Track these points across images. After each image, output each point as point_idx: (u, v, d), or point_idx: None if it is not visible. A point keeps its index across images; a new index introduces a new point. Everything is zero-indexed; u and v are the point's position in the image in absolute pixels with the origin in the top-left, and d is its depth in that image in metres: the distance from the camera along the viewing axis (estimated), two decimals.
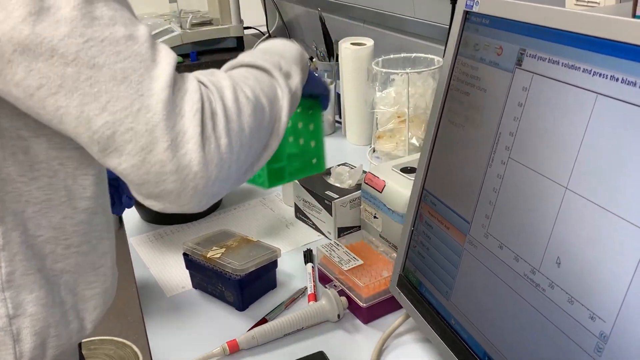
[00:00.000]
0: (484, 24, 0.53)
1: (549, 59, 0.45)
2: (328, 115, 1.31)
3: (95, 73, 0.42)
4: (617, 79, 0.39)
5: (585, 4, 0.70)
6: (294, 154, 0.78)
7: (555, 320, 0.44)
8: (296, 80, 0.60)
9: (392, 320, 0.69)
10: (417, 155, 0.91)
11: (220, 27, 1.84)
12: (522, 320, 0.47)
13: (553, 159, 0.44)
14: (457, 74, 0.57)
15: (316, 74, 0.65)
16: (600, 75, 0.41)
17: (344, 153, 1.23)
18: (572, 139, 0.43)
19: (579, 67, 0.42)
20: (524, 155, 0.47)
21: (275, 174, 0.73)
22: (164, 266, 0.87)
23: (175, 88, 0.45)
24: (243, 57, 0.58)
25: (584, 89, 0.42)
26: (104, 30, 0.43)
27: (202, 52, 1.82)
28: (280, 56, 0.60)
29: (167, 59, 0.46)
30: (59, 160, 0.51)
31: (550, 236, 0.44)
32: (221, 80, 0.50)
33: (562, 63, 0.44)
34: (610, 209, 0.39)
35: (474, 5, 0.54)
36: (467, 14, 0.55)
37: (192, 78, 0.48)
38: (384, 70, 0.99)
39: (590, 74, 0.42)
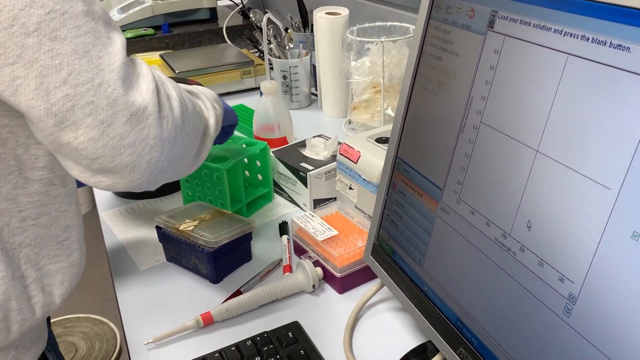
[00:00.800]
0: None
1: (521, 20, 0.44)
2: (304, 87, 1.29)
3: (57, 45, 0.43)
4: (588, 39, 0.39)
5: None
6: (247, 189, 0.93)
7: (525, 284, 0.44)
8: (218, 110, 0.66)
9: (367, 289, 0.69)
10: (392, 126, 0.90)
11: None
12: (493, 285, 0.47)
13: (524, 122, 0.44)
14: (430, 38, 0.55)
15: (228, 106, 0.77)
16: (571, 35, 0.40)
17: (319, 125, 1.22)
18: (543, 101, 0.42)
19: (550, 28, 0.42)
20: (496, 119, 0.47)
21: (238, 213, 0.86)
22: (136, 240, 0.86)
23: (129, 67, 0.47)
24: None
25: (555, 49, 0.41)
26: (65, 4, 0.43)
27: (175, 24, 1.78)
28: (199, 92, 0.67)
29: (120, 38, 0.48)
30: (9, 128, 0.49)
31: (521, 200, 0.44)
32: (162, 76, 0.53)
33: (534, 24, 0.43)
34: (579, 170, 0.39)
35: None
36: None
37: (142, 62, 0.50)
38: (359, 39, 0.98)
39: (561, 34, 0.41)
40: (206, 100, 0.65)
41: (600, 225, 0.38)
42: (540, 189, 0.42)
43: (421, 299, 0.57)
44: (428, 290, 0.56)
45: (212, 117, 0.63)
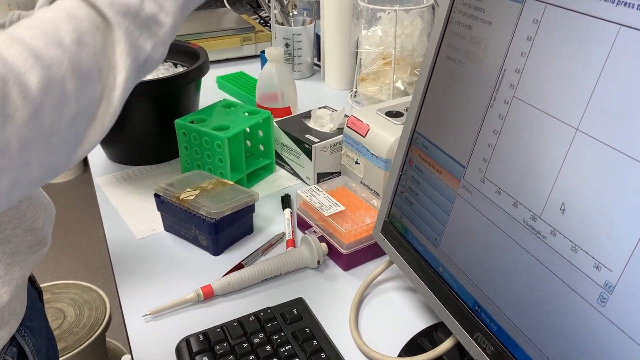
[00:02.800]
0: None
1: None
2: (306, 57, 1.25)
3: None
4: None
5: None
6: (249, 159, 0.89)
7: (555, 269, 0.41)
8: (165, 28, 0.42)
9: (372, 268, 0.67)
10: (402, 100, 0.87)
11: None
12: (518, 270, 0.45)
13: (564, 98, 0.41)
14: (459, 5, 0.52)
15: None
16: (624, 4, 0.37)
17: (322, 97, 1.18)
18: (588, 76, 0.39)
19: None
20: (531, 94, 0.44)
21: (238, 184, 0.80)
22: (133, 207, 0.83)
23: None
24: None
25: (605, 20, 0.38)
26: None
27: None
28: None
29: None
30: None
31: (555, 181, 0.41)
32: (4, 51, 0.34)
33: None
34: (626, 152, 0.36)
35: None
36: None
37: None
38: (371, 6, 0.93)
39: (613, 2, 0.38)
40: (123, 37, 0.39)
41: None
42: (578, 170, 0.40)
43: (435, 280, 0.54)
44: (443, 272, 0.54)
45: (124, 74, 0.39)
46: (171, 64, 1.02)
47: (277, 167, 0.93)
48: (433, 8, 0.94)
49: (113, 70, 0.39)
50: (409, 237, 0.59)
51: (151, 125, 0.90)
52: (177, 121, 0.85)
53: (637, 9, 0.36)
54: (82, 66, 0.37)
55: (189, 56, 0.99)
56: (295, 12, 1.28)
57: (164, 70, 0.99)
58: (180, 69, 0.99)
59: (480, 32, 0.49)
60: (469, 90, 0.50)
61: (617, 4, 0.37)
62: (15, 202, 0.38)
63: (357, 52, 1.00)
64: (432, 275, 0.55)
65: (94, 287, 1.44)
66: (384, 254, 0.64)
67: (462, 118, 0.51)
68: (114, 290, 0.69)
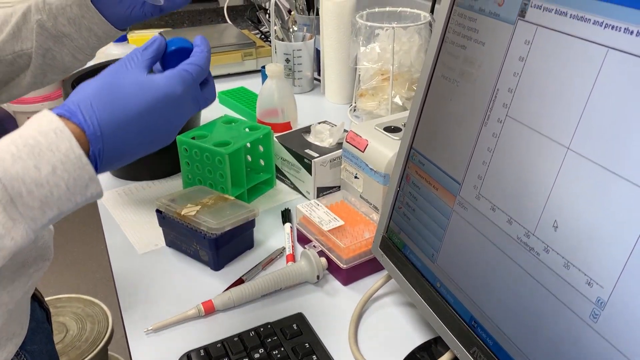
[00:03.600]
0: None
1: (556, 10, 0.42)
2: (307, 72, 1.27)
3: None
4: (632, 32, 0.37)
5: None
6: (249, 174, 0.91)
7: (548, 285, 0.42)
8: (4, 253, 0.40)
9: (372, 282, 0.68)
10: (400, 115, 0.88)
11: None
12: (513, 285, 0.46)
13: (555, 118, 0.42)
14: (453, 25, 0.53)
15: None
16: (612, 27, 0.38)
17: (322, 111, 1.20)
18: (578, 97, 0.40)
19: (589, 19, 0.40)
20: (524, 113, 0.45)
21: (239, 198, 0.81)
22: (135, 223, 0.84)
23: None
24: None
25: (593, 42, 0.39)
26: None
27: None
28: (12, 199, 0.40)
29: None
30: None
31: (547, 199, 0.42)
32: None
33: (571, 14, 0.41)
34: (615, 170, 0.37)
35: None
36: None
37: None
38: (369, 23, 0.95)
39: (601, 26, 0.39)
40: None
41: (636, 230, 0.36)
42: (570, 188, 0.41)
43: (433, 295, 0.55)
44: (440, 287, 0.54)
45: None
46: None
47: (277, 181, 0.94)
48: (430, 25, 0.95)
49: None
50: (407, 252, 0.60)
51: None
52: (179, 137, 0.86)
53: (623, 32, 0.37)
54: None
55: None
56: (295, 28, 1.30)
57: None
58: None
59: (474, 52, 0.50)
60: (464, 109, 0.51)
61: (605, 27, 0.38)
62: None
63: (355, 68, 1.01)
64: (429, 291, 0.56)
65: (96, 300, 1.45)
66: (383, 268, 0.64)
67: (457, 135, 0.52)
68: (116, 304, 0.70)
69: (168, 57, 0.52)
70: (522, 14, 0.45)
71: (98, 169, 0.44)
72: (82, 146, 0.42)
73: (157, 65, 0.53)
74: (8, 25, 0.65)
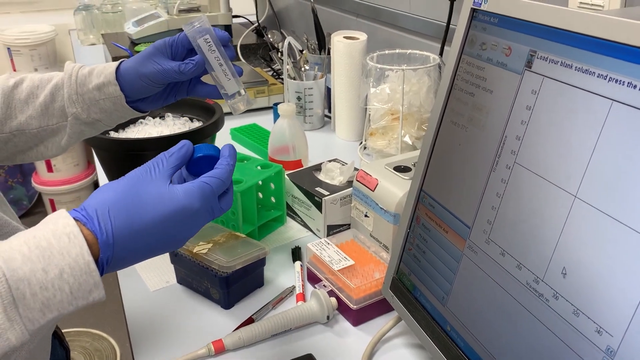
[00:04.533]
0: (492, 23, 0.51)
1: (562, 62, 0.44)
2: (317, 109, 1.29)
3: None
4: (635, 86, 0.38)
5: (589, 6, 0.69)
6: (260, 211, 0.91)
7: (558, 332, 0.42)
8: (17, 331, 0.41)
9: (382, 323, 0.68)
10: (410, 154, 0.89)
11: (208, 14, 1.80)
12: (523, 331, 0.46)
13: (562, 166, 0.43)
14: (462, 73, 0.55)
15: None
16: (616, 81, 0.39)
17: (332, 148, 1.21)
18: (584, 146, 0.41)
19: (594, 72, 0.41)
20: (531, 161, 0.46)
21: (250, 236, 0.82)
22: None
23: None
24: None
25: (598, 94, 0.40)
26: None
27: None
28: (14, 300, 0.41)
29: None
30: None
31: (556, 245, 0.43)
32: None
33: (576, 67, 0.42)
34: (622, 220, 0.38)
35: (482, 2, 0.52)
36: (474, 12, 0.53)
37: None
38: (379, 65, 0.97)
39: (605, 79, 0.40)
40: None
41: None
42: (578, 236, 0.41)
43: (443, 339, 0.55)
44: (451, 331, 0.55)
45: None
46: (187, 118, 1.06)
47: (288, 218, 0.95)
48: (439, 67, 0.97)
49: None
50: (417, 294, 0.60)
51: None
52: None
53: (627, 86, 0.38)
54: None
55: (204, 110, 1.03)
56: (307, 67, 1.32)
57: (180, 125, 1.03)
58: (196, 124, 1.03)
59: (482, 99, 0.52)
60: (473, 154, 0.53)
61: (609, 80, 0.40)
62: None
63: (366, 108, 1.03)
64: (440, 334, 0.56)
65: (104, 335, 1.45)
66: (394, 308, 0.65)
67: (466, 180, 0.53)
68: (124, 337, 0.71)
69: (193, 162, 0.53)
70: (528, 64, 0.47)
71: (103, 273, 0.45)
72: (92, 252, 0.43)
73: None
74: (36, 100, 0.69)
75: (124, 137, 0.99)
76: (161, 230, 0.47)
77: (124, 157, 0.92)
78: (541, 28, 0.46)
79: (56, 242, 0.42)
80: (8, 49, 2.39)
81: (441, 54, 1.05)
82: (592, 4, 0.68)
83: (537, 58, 0.46)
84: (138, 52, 1.64)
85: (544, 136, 0.45)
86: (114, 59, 1.63)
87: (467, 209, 0.53)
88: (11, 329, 0.40)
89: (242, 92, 0.69)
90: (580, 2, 0.69)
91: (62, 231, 0.43)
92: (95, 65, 0.69)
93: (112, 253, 0.45)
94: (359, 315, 0.70)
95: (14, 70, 2.46)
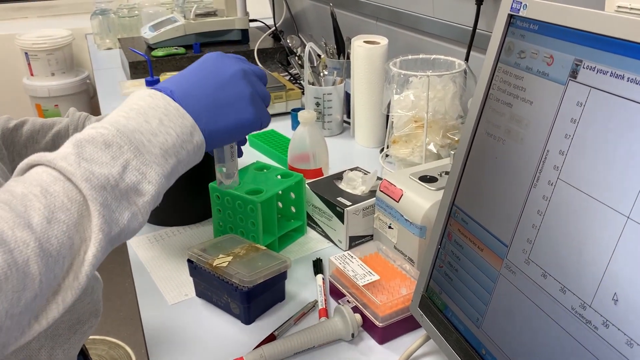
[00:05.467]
0: (531, 30, 0.48)
1: (611, 73, 0.41)
2: (336, 115, 1.26)
3: None
4: None
5: (628, 10, 0.65)
6: (280, 221, 0.88)
7: None
8: (146, 198, 0.43)
9: (409, 340, 0.65)
10: (435, 163, 0.86)
11: (225, 18, 1.78)
12: (567, 359, 0.43)
13: (613, 184, 0.40)
14: (498, 82, 0.52)
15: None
16: None
17: (352, 155, 1.19)
18: (637, 163, 0.38)
19: None
20: (577, 177, 0.43)
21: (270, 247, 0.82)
22: (165, 271, 0.83)
23: None
24: (66, 153, 0.41)
25: None
26: None
27: (206, 44, 1.76)
28: (138, 147, 0.44)
29: None
30: None
31: (606, 269, 0.40)
32: None
33: (628, 78, 0.39)
34: None
35: (521, 8, 0.49)
36: (511, 18, 0.51)
37: None
38: (403, 72, 0.94)
39: None
40: (97, 211, 0.39)
41: None
42: (631, 260, 0.38)
43: None
44: (486, 354, 0.52)
45: (100, 238, 0.39)
46: None
47: (308, 228, 0.93)
48: (465, 72, 0.94)
49: (84, 243, 0.39)
50: (448, 314, 0.57)
51: (185, 188, 0.91)
52: (211, 184, 0.86)
53: None
54: (50, 245, 0.37)
55: None
56: (325, 72, 1.30)
57: None
58: None
59: (521, 110, 0.49)
60: (511, 168, 0.50)
61: None
62: None
63: (388, 115, 1.00)
64: (473, 357, 0.53)
65: (121, 343, 1.43)
66: (421, 325, 0.62)
67: (503, 195, 0.50)
68: (139, 343, 0.69)
69: None
70: (573, 74, 0.44)
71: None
72: None
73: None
74: (36, 145, 0.71)
75: None
76: (209, 68, 0.54)
77: None
78: (588, 36, 0.43)
79: (143, 102, 0.47)
80: (25, 53, 2.41)
81: (467, 59, 1.02)
82: (632, 8, 0.64)
83: (583, 67, 0.43)
84: (155, 57, 1.64)
85: (592, 151, 0.42)
86: (131, 64, 1.62)
87: (504, 226, 0.50)
88: (150, 172, 0.44)
89: (236, 176, 0.69)
90: (618, 7, 0.66)
91: (143, 94, 0.49)
92: (102, 116, 0.69)
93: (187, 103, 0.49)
94: (385, 333, 0.67)
95: (32, 75, 2.47)
